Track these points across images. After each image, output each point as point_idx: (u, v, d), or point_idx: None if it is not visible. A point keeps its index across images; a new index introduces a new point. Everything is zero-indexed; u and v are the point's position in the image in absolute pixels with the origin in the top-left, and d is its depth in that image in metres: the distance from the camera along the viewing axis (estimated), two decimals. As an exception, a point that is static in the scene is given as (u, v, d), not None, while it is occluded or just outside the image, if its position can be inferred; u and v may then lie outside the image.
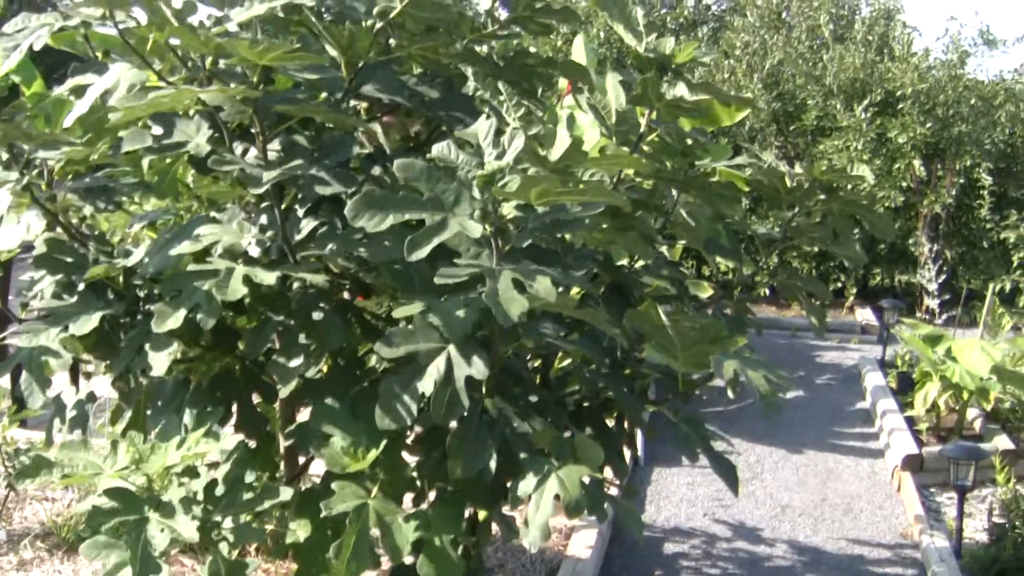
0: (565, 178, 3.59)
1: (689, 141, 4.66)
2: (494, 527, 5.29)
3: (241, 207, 4.11)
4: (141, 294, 4.17)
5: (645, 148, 4.52)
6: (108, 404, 4.80)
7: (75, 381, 4.56)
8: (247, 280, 3.73)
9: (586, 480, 3.74)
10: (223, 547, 3.81)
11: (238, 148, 3.95)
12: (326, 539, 4.19)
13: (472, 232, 3.53)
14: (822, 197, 4.69)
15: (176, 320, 3.64)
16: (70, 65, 4.29)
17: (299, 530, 4.16)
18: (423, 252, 3.45)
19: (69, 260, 4.11)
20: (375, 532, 3.76)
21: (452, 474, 3.66)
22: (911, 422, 8.36)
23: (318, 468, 4.63)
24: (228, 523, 3.85)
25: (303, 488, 4.40)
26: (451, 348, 3.51)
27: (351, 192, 3.78)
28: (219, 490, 3.88)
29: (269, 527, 5.32)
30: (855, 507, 7.25)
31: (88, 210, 4.39)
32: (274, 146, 3.96)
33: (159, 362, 3.83)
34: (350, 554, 3.66)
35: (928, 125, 12.58)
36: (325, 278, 3.84)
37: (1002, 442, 7.93)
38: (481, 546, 4.73)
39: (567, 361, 5.29)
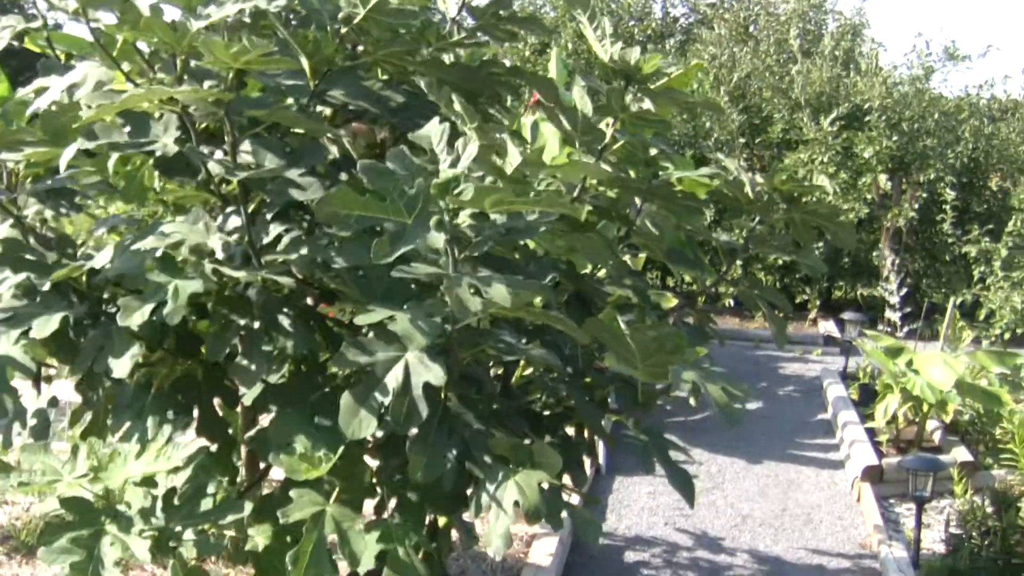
0: (520, 187, 3.61)
1: (653, 151, 4.68)
2: (454, 534, 5.30)
3: (206, 212, 4.11)
4: (104, 296, 4.15)
5: (610, 158, 4.55)
6: (68, 408, 4.77)
7: (36, 385, 4.52)
8: (215, 274, 3.73)
9: (544, 486, 3.76)
10: (183, 552, 3.80)
11: (205, 151, 3.95)
12: (285, 546, 4.18)
13: (433, 242, 3.56)
14: (784, 207, 4.73)
15: (142, 315, 3.62)
16: (36, 67, 4.27)
17: (258, 536, 4.15)
18: (389, 258, 3.48)
19: (31, 259, 4.08)
20: (333, 539, 3.76)
21: (413, 477, 3.66)
22: (872, 434, 8.42)
23: (279, 472, 4.63)
24: (189, 534, 3.83)
25: (263, 493, 4.40)
26: (409, 355, 3.52)
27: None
28: (178, 499, 3.87)
29: (229, 533, 5.32)
30: (815, 517, 7.29)
31: (49, 213, 4.36)
32: (243, 150, 3.95)
33: (121, 365, 3.81)
34: (308, 561, 3.65)
35: (894, 139, 12.69)
36: (292, 281, 3.84)
37: (961, 454, 8.00)
38: (442, 554, 4.74)
39: (529, 370, 5.31)
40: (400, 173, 3.61)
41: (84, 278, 4.10)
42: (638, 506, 7.31)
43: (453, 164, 3.69)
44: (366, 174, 3.58)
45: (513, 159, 3.80)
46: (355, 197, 3.53)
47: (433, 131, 3.83)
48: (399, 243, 3.52)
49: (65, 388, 4.51)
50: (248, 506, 3.88)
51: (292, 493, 3.72)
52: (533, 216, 3.74)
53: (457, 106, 3.98)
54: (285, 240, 3.82)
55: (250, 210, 3.96)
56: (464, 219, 3.63)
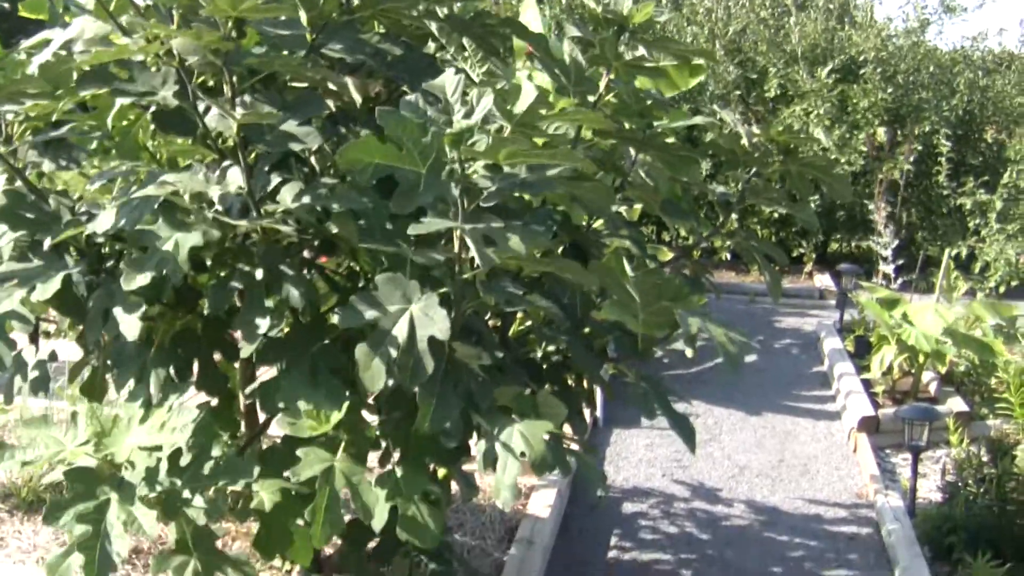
0: (530, 133, 3.61)
1: (648, 101, 4.68)
2: (454, 486, 5.33)
3: (204, 166, 4.10)
4: (104, 251, 4.15)
5: (604, 109, 4.54)
6: (66, 366, 4.78)
7: (35, 341, 4.53)
8: (216, 223, 3.74)
9: (547, 436, 3.78)
10: (190, 512, 3.81)
11: (202, 105, 3.94)
12: (290, 503, 4.21)
13: (447, 192, 3.57)
14: (780, 159, 4.73)
15: (145, 278, 3.62)
16: (28, 30, 4.26)
17: (263, 492, 4.17)
18: (409, 209, 3.54)
19: (31, 216, 4.08)
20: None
21: (420, 429, 3.68)
22: (867, 385, 8.47)
23: (278, 428, 4.65)
24: (198, 500, 3.85)
25: (263, 447, 4.42)
26: (414, 308, 3.53)
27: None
28: (183, 460, 3.88)
29: (233, 488, 5.35)
30: (812, 468, 7.34)
31: (48, 167, 4.36)
32: (240, 104, 3.95)
33: (130, 327, 3.82)
34: (324, 517, 3.68)
35: (889, 92, 12.66)
36: (293, 228, 3.85)
37: (956, 404, 8.05)
38: (443, 505, 4.76)
39: (527, 323, 5.33)
40: (411, 122, 3.62)
41: (83, 234, 4.11)
42: (636, 458, 7.35)
43: (467, 115, 3.69)
44: (384, 121, 3.58)
45: (527, 98, 3.79)
46: (377, 145, 3.54)
47: (448, 81, 3.82)
48: (415, 194, 3.54)
49: (62, 346, 4.52)
50: (256, 470, 3.90)
51: (299, 452, 3.73)
52: (555, 171, 3.75)
53: (468, 52, 3.97)
54: (284, 190, 3.82)
55: (248, 161, 3.96)
56: (476, 170, 3.64)
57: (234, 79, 3.85)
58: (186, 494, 3.80)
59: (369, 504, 3.73)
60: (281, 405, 3.85)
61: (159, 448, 3.86)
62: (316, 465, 3.72)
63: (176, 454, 3.88)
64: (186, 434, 3.90)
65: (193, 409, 3.90)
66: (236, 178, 3.86)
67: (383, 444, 4.12)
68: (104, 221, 3.82)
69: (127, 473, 3.80)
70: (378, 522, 3.76)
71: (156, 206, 3.78)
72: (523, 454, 3.57)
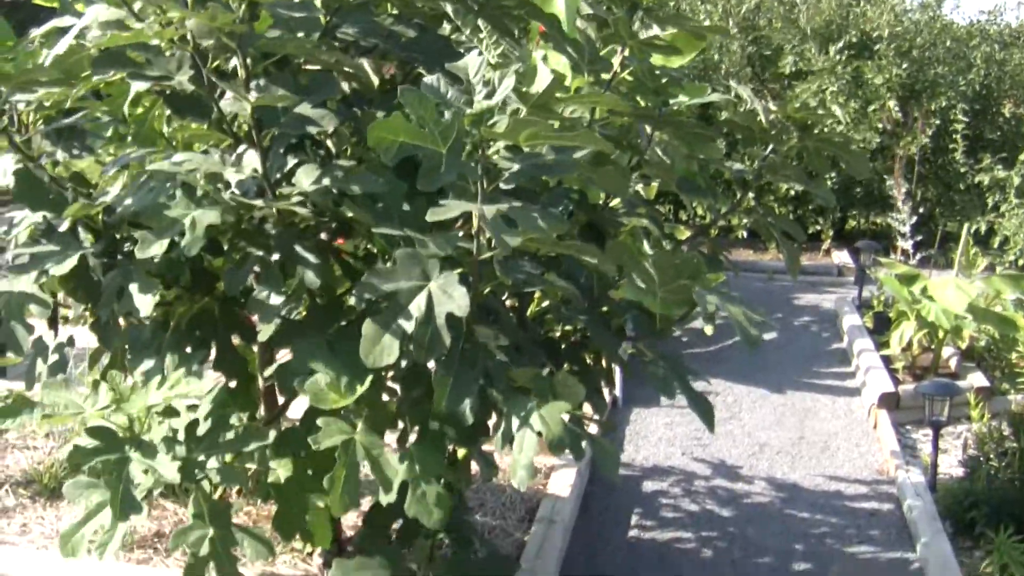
0: (548, 115, 3.60)
1: (663, 79, 4.66)
2: (473, 467, 5.34)
3: (220, 150, 4.11)
4: (121, 235, 4.16)
5: (619, 88, 4.53)
6: (87, 353, 4.80)
7: (53, 326, 4.55)
8: (232, 209, 3.75)
9: (566, 417, 3.77)
10: (205, 486, 3.84)
11: (217, 90, 3.94)
12: (307, 478, 4.22)
13: (469, 172, 3.57)
14: (796, 136, 4.71)
15: (160, 247, 3.62)
16: (41, 18, 4.26)
17: (280, 469, 4.19)
18: (434, 187, 3.55)
19: (50, 197, 4.10)
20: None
21: (437, 408, 3.68)
22: (887, 361, 8.44)
23: (296, 411, 4.65)
24: (212, 463, 3.87)
25: (282, 429, 4.43)
26: (432, 284, 3.53)
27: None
28: (201, 430, 3.90)
29: (251, 467, 5.36)
30: (832, 445, 7.33)
31: (61, 155, 4.37)
32: (254, 88, 3.95)
33: (144, 304, 3.83)
34: (342, 488, 3.68)
35: (904, 67, 12.58)
36: (309, 210, 3.85)
37: (977, 379, 8.01)
38: (461, 486, 4.77)
39: (545, 303, 5.32)
40: (434, 101, 3.62)
41: (100, 217, 4.12)
42: (655, 437, 7.35)
43: (488, 96, 3.69)
44: (406, 99, 3.58)
45: (543, 80, 3.78)
46: (403, 123, 3.54)
47: (471, 63, 3.82)
48: (436, 174, 3.54)
49: (81, 334, 4.54)
50: (272, 434, 3.91)
51: (319, 421, 3.73)
52: (579, 154, 3.74)
53: (483, 34, 3.97)
54: (300, 172, 3.82)
55: (263, 144, 3.96)
56: (497, 151, 3.63)
57: (248, 61, 3.84)
58: (203, 459, 3.84)
59: (389, 477, 3.73)
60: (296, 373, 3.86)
61: (175, 412, 3.89)
62: (337, 435, 3.72)
63: (193, 425, 3.90)
64: (204, 407, 3.94)
65: (205, 382, 3.92)
66: (252, 161, 3.86)
67: (400, 425, 4.13)
68: (115, 191, 3.83)
69: (146, 435, 3.83)
70: (393, 496, 3.76)
71: (172, 190, 3.78)
72: (540, 434, 3.57)
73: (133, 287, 3.85)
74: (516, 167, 3.66)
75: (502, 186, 3.67)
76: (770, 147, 4.72)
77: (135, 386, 3.88)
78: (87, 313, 4.38)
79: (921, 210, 12.20)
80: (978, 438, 6.53)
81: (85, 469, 3.82)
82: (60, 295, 4.41)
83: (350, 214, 3.79)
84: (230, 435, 3.91)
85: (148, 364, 4.07)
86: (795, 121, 4.67)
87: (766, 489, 6.62)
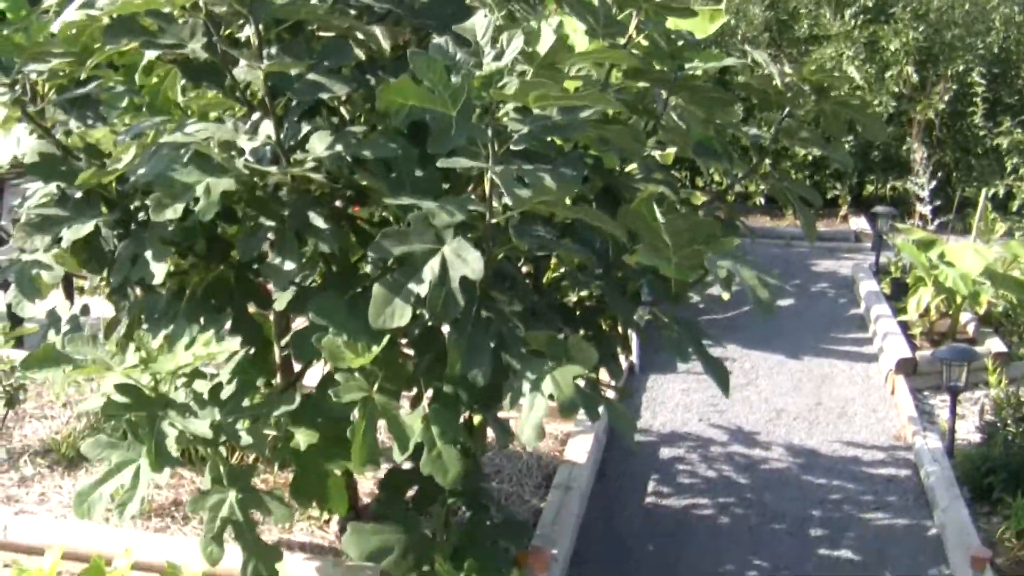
0: (554, 75, 3.58)
1: (679, 43, 4.63)
2: (490, 434, 5.34)
3: (234, 118, 4.10)
4: (133, 206, 4.16)
5: (634, 52, 4.50)
6: (100, 324, 4.80)
7: (69, 296, 4.56)
8: (246, 178, 3.74)
9: (580, 382, 3.77)
10: (223, 451, 3.85)
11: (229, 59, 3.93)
12: (324, 445, 4.23)
13: (479, 134, 3.55)
14: (813, 99, 4.67)
15: (175, 211, 3.61)
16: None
17: (300, 436, 4.20)
18: (445, 149, 3.52)
19: (62, 168, 4.10)
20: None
21: (451, 371, 3.68)
22: (905, 327, 8.40)
23: (313, 379, 4.66)
24: (241, 427, 3.88)
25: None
26: (446, 248, 3.52)
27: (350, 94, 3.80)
28: (225, 393, 3.91)
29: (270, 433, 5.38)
30: (849, 410, 7.31)
31: (75, 125, 4.37)
32: (267, 55, 3.93)
33: (158, 270, 3.83)
34: (362, 442, 3.68)
35: (920, 30, 12.47)
36: (323, 177, 3.83)
37: (995, 345, 7.98)
38: (478, 451, 4.78)
39: (561, 271, 5.31)
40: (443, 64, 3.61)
41: (113, 186, 4.11)
42: (672, 403, 7.34)
43: (497, 57, 3.66)
44: (415, 62, 3.56)
45: (547, 41, 3.76)
46: (413, 87, 3.53)
47: (478, 24, 3.80)
48: (448, 136, 3.52)
49: (96, 305, 4.54)
50: (297, 399, 3.91)
51: (338, 376, 3.73)
52: (586, 113, 3.72)
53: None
54: (314, 139, 3.81)
55: (277, 111, 3.95)
56: (506, 113, 3.61)
57: (260, 28, 3.82)
58: (231, 422, 3.85)
59: (407, 435, 3.73)
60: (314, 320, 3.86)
61: (202, 374, 3.90)
62: (356, 392, 3.72)
63: (216, 389, 3.90)
64: (223, 368, 3.94)
65: (234, 340, 3.92)
66: (266, 128, 3.85)
67: (415, 389, 4.13)
68: (127, 157, 3.82)
69: (174, 394, 3.84)
70: (409, 451, 3.76)
71: (185, 159, 3.78)
72: (552, 396, 3.56)
73: (147, 254, 3.85)
74: (525, 129, 3.65)
75: (512, 148, 3.65)
76: (786, 111, 4.69)
77: (162, 347, 3.88)
78: (102, 284, 4.38)
79: (939, 175, 12.12)
80: (995, 403, 6.51)
81: (100, 427, 3.82)
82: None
83: (364, 182, 3.78)
84: (256, 398, 3.92)
85: (167, 331, 4.07)
86: (811, 84, 4.63)
87: (783, 455, 6.61)
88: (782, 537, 5.62)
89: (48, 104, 4.33)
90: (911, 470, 6.42)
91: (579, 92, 3.61)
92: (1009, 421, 6.19)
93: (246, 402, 3.91)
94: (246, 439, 3.86)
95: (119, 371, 3.83)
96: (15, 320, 6.48)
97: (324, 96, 3.81)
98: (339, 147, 3.72)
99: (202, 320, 4.12)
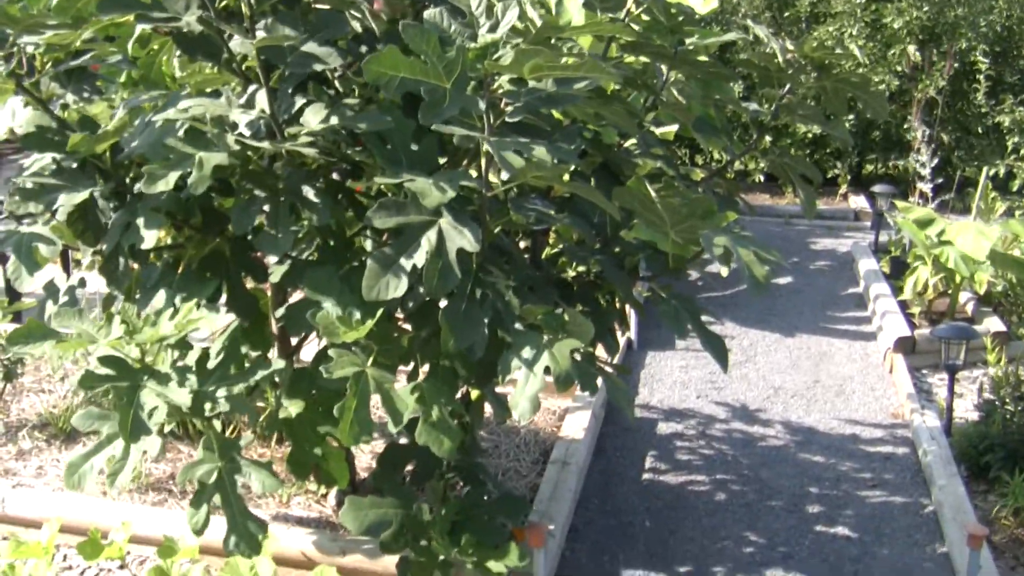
0: (553, 50, 3.56)
1: (680, 18, 4.60)
2: (487, 409, 5.33)
3: (230, 91, 4.08)
4: (128, 177, 4.14)
5: (634, 26, 4.48)
6: (99, 298, 4.79)
7: (66, 269, 4.55)
8: (239, 152, 3.72)
9: (577, 356, 3.75)
10: (216, 425, 3.84)
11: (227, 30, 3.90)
12: (318, 415, 4.22)
13: (473, 106, 3.53)
14: (814, 76, 4.65)
15: (167, 183, 3.59)
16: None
17: (291, 407, 4.19)
18: (436, 120, 3.48)
19: (57, 140, 4.08)
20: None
21: (444, 346, 3.67)
22: (903, 306, 8.40)
23: (309, 354, 4.65)
24: (221, 393, 3.86)
25: (295, 368, 4.43)
26: (443, 221, 3.51)
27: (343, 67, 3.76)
28: (211, 363, 3.90)
29: (262, 405, 5.38)
30: (847, 388, 7.31)
31: (71, 99, 4.35)
32: (260, 31, 3.91)
33: (149, 237, 3.81)
34: (352, 418, 3.67)
35: (924, 8, 12.43)
36: (317, 151, 3.82)
37: (993, 324, 7.98)
38: (475, 426, 4.77)
39: (559, 248, 5.31)
40: (439, 36, 3.58)
41: (108, 156, 4.10)
42: (670, 380, 7.34)
43: (492, 29, 3.64)
44: (407, 34, 3.54)
45: (533, 23, 3.74)
46: (402, 57, 3.50)
47: None
48: (441, 108, 3.50)
49: (94, 279, 4.53)
50: (280, 364, 3.90)
51: (331, 352, 3.72)
52: (581, 84, 3.69)
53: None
54: (309, 112, 3.79)
55: (271, 84, 3.93)
56: (501, 85, 3.59)
57: (253, 1, 3.80)
58: (213, 390, 3.84)
59: (400, 410, 3.71)
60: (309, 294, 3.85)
61: (188, 345, 3.89)
62: (348, 367, 3.70)
63: (204, 359, 3.89)
64: (217, 339, 3.92)
65: (218, 308, 3.91)
66: (260, 101, 3.83)
67: (411, 363, 4.12)
68: (116, 123, 3.80)
69: (159, 367, 3.83)
70: (402, 425, 3.75)
71: (179, 131, 3.76)
72: (548, 369, 3.55)
73: (139, 221, 3.84)
74: (520, 101, 3.63)
75: (508, 120, 3.63)
76: (787, 87, 4.67)
77: (147, 318, 3.86)
78: (98, 257, 4.37)
79: (939, 155, 12.09)
80: (994, 382, 6.50)
81: (97, 400, 3.81)
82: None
83: (357, 157, 3.76)
84: (239, 368, 3.90)
85: (157, 302, 4.05)
86: (813, 61, 4.61)
87: (781, 432, 6.60)
88: (779, 513, 5.62)
89: (44, 77, 4.31)
90: (909, 448, 6.42)
91: (575, 63, 3.58)
92: (1007, 400, 6.18)
93: (233, 371, 3.90)
94: (225, 405, 3.84)
95: (104, 343, 3.81)
96: (13, 295, 6.47)
97: (318, 68, 3.78)
98: (333, 119, 3.70)
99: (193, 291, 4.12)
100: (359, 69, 4.13)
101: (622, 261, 4.39)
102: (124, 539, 4.39)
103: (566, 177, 3.90)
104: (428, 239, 3.47)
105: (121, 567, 4.76)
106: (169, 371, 3.78)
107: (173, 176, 3.59)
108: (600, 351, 4.99)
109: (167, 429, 5.17)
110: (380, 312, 3.72)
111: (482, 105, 3.57)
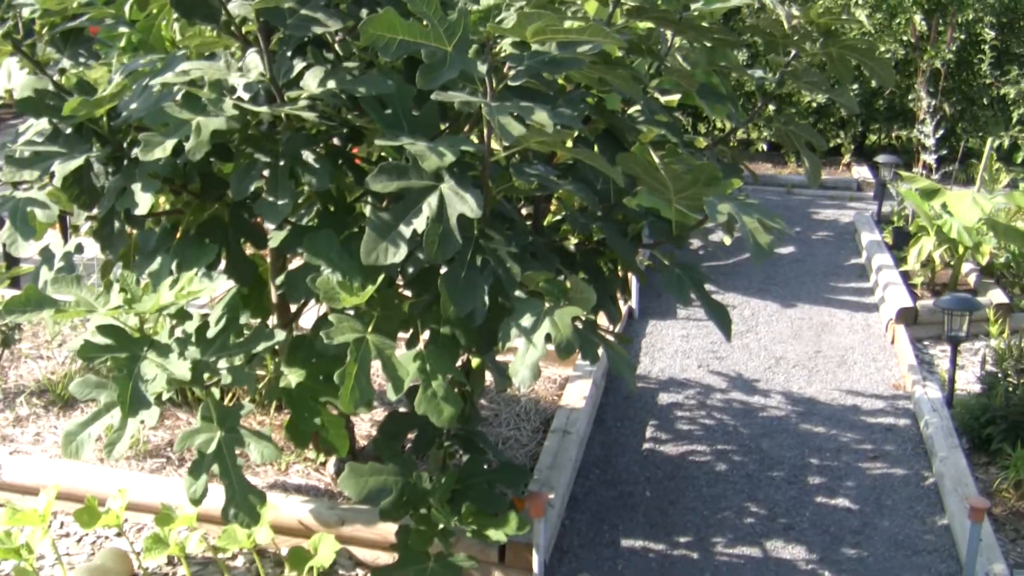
0: (556, 14, 3.51)
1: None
2: (488, 377, 5.30)
3: (228, 54, 4.03)
4: (126, 142, 4.10)
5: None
6: (97, 264, 4.75)
7: (63, 234, 4.51)
8: (237, 116, 3.67)
9: (579, 324, 3.72)
10: (216, 393, 3.80)
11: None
12: (318, 384, 4.19)
13: (474, 70, 3.48)
14: (820, 42, 4.60)
15: (164, 150, 3.55)
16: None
17: (291, 375, 4.16)
18: (432, 86, 3.43)
19: (53, 104, 4.03)
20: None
21: (445, 314, 3.63)
22: (906, 277, 8.36)
23: (308, 321, 4.62)
24: (222, 364, 3.83)
25: (295, 336, 4.40)
26: (444, 186, 3.46)
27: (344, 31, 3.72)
28: (211, 332, 3.86)
29: (261, 373, 5.35)
30: (849, 359, 7.28)
31: (68, 63, 4.30)
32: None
33: (144, 201, 3.77)
34: (352, 384, 3.63)
35: (930, -22, 12.37)
36: (316, 115, 3.77)
37: (996, 296, 7.94)
38: (475, 394, 4.75)
39: (561, 215, 5.27)
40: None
41: (106, 121, 4.05)
42: (671, 349, 7.31)
43: (495, -9, 3.60)
44: None
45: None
46: (399, 20, 3.45)
47: None
48: (441, 71, 3.45)
49: (92, 245, 4.49)
50: (281, 334, 3.86)
51: (332, 318, 3.68)
52: (584, 48, 3.64)
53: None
54: (308, 75, 3.74)
55: (271, 47, 3.88)
56: (503, 48, 3.54)
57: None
58: (213, 360, 3.80)
59: (400, 376, 3.68)
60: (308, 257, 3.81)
61: (187, 315, 3.85)
62: (348, 333, 3.66)
63: (204, 328, 3.85)
64: (216, 307, 3.89)
65: (221, 278, 3.87)
66: (258, 64, 3.78)
67: (411, 330, 4.08)
68: (112, 88, 3.76)
69: (158, 336, 3.79)
70: (402, 391, 3.72)
71: (177, 95, 3.71)
72: (549, 337, 3.51)
73: (136, 185, 3.80)
74: (523, 65, 3.58)
75: (511, 84, 3.59)
76: (793, 53, 4.62)
77: (147, 287, 3.82)
78: (94, 222, 4.33)
79: (944, 125, 12.03)
80: (996, 354, 6.46)
81: (96, 367, 3.77)
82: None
83: (358, 123, 3.72)
84: (240, 337, 3.86)
85: (154, 267, 4.01)
86: (819, 27, 4.56)
87: (782, 403, 6.58)
88: (780, 484, 5.60)
89: (41, 41, 4.26)
90: (910, 419, 6.39)
91: (579, 26, 3.53)
92: (1010, 372, 6.15)
93: (233, 340, 3.86)
94: (226, 377, 3.81)
95: (103, 312, 3.77)
96: (11, 261, 6.44)
97: (318, 31, 3.73)
98: (332, 83, 3.65)
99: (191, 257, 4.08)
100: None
101: (625, 228, 4.36)
102: (121, 506, 4.38)
103: (569, 143, 3.85)
104: (429, 204, 3.43)
105: (118, 534, 4.74)
106: (170, 342, 3.74)
107: (170, 143, 3.55)
108: (602, 319, 4.96)
109: (165, 397, 5.14)
110: (381, 278, 3.68)
111: (483, 69, 3.52)
